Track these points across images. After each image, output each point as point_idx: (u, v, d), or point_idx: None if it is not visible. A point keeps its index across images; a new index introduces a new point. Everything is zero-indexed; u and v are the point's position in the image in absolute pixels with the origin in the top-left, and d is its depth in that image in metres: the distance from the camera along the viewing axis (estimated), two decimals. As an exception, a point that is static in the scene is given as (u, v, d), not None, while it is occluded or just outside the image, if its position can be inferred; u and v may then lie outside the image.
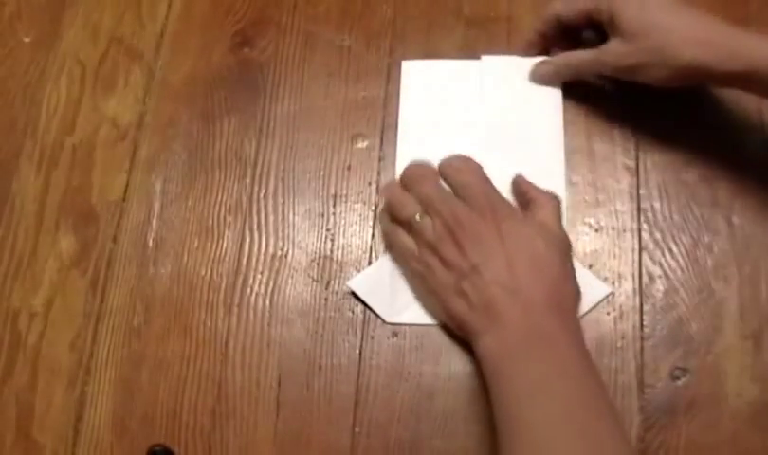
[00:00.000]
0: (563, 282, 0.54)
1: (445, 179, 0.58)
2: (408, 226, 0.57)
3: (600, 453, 0.46)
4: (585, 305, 0.56)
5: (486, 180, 0.57)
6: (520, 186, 0.59)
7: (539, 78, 0.64)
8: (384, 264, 0.60)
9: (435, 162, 0.60)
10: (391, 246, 0.59)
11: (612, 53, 0.59)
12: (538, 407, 0.48)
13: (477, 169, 0.58)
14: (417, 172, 0.58)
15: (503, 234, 0.54)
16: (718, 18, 0.56)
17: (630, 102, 0.62)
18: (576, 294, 0.55)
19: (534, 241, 0.54)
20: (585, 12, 0.60)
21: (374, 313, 0.58)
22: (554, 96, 0.63)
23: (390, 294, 0.59)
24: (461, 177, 0.57)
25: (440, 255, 0.55)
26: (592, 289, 0.57)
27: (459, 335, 0.56)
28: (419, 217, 0.56)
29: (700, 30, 0.55)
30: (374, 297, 0.59)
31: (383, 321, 0.58)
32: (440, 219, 0.55)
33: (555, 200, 0.58)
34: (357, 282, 0.59)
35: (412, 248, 0.56)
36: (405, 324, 0.58)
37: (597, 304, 0.57)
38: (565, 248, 0.55)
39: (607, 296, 0.57)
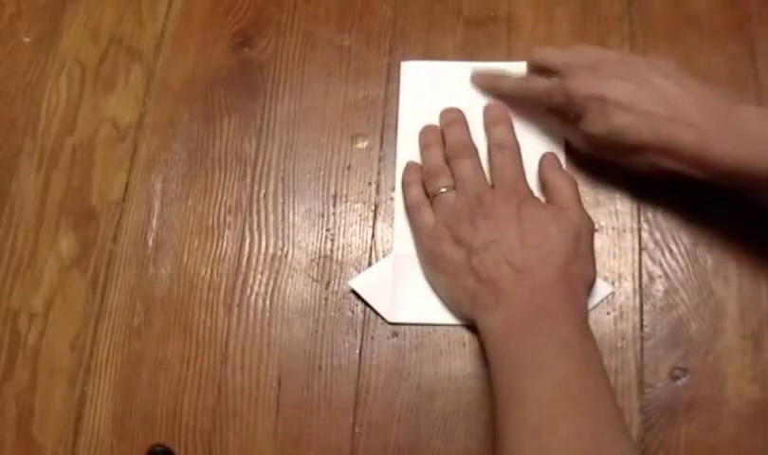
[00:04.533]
0: (574, 264, 0.54)
1: (487, 136, 0.61)
2: (433, 195, 0.59)
3: (592, 418, 0.47)
4: (589, 303, 0.56)
5: (519, 161, 0.59)
6: (540, 172, 0.60)
7: (476, 83, 0.65)
8: (386, 264, 0.60)
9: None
10: (411, 219, 0.60)
11: (582, 147, 0.59)
12: (535, 377, 0.49)
13: (515, 146, 0.60)
14: (460, 144, 0.60)
15: (521, 217, 0.55)
16: (687, 104, 0.53)
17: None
18: (588, 278, 0.55)
19: (549, 224, 0.55)
20: (551, 110, 0.60)
21: (376, 312, 0.58)
22: None
23: (391, 293, 0.59)
24: (498, 130, 0.61)
25: (453, 232, 0.56)
26: (595, 289, 0.57)
27: (461, 316, 0.56)
28: (445, 190, 0.58)
29: (665, 141, 0.53)
30: (375, 296, 0.59)
31: (384, 321, 0.58)
32: (464, 197, 0.57)
33: (572, 183, 0.58)
34: (359, 282, 0.59)
35: (430, 223, 0.58)
36: (406, 324, 0.58)
37: (599, 304, 0.57)
38: (584, 231, 0.56)
39: (608, 295, 0.57)
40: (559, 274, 0.52)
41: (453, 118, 0.62)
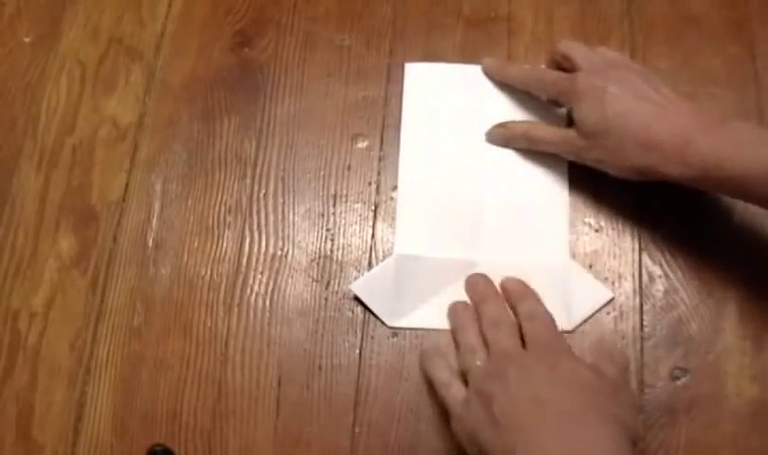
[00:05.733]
0: (612, 403, 0.48)
1: (509, 302, 0.57)
2: (467, 370, 0.53)
3: None
4: (586, 310, 0.57)
5: (554, 326, 0.54)
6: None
7: (492, 139, 0.63)
8: (387, 268, 0.60)
9: (437, 164, 0.61)
10: (442, 398, 0.54)
11: (573, 144, 0.58)
12: None
13: (546, 314, 0.55)
14: (498, 317, 0.55)
15: (554, 365, 0.49)
16: (683, 109, 0.54)
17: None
18: (631, 430, 0.47)
19: (585, 371, 0.49)
20: (551, 97, 0.61)
21: (376, 316, 0.58)
22: None
23: (392, 298, 0.58)
24: (526, 305, 0.55)
25: (480, 390, 0.49)
26: (594, 293, 0.57)
27: None
28: (480, 363, 0.52)
29: (652, 134, 0.53)
30: (376, 300, 0.59)
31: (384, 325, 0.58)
32: (493, 358, 0.52)
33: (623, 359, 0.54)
34: (360, 286, 0.59)
35: (460, 396, 0.52)
36: (407, 328, 0.58)
37: (600, 309, 0.57)
38: (619, 393, 0.50)
39: (609, 301, 0.57)
40: (590, 405, 0.46)
41: (486, 292, 0.57)
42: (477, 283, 0.58)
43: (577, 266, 0.58)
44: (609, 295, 0.57)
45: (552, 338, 0.53)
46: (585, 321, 0.56)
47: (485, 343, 0.54)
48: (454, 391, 0.52)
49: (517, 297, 0.57)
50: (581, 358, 0.51)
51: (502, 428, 0.46)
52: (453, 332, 0.57)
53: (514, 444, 0.45)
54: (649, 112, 0.54)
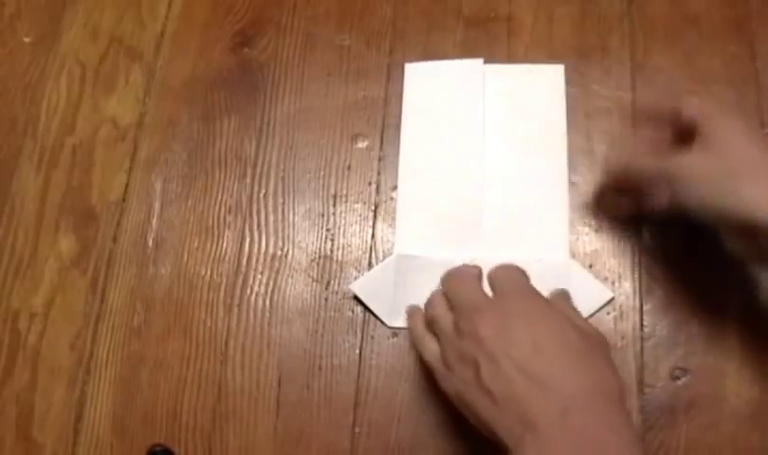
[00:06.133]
0: (605, 371, 0.45)
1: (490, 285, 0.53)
2: (432, 321, 0.51)
3: None
4: (586, 310, 0.57)
5: (523, 272, 0.51)
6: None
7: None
8: (387, 268, 0.60)
9: (437, 164, 0.61)
10: (420, 353, 0.53)
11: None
12: None
13: (517, 266, 0.52)
14: (458, 274, 0.53)
15: (531, 317, 0.46)
16: None
17: (630, 102, 0.62)
18: (622, 385, 0.45)
19: (564, 327, 0.46)
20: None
21: (376, 316, 0.58)
22: (557, 97, 0.63)
23: (392, 298, 0.59)
24: (500, 269, 0.52)
25: (457, 349, 0.47)
26: (594, 293, 0.57)
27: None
28: (440, 311, 0.50)
29: None
30: (376, 300, 0.59)
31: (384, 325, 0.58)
32: (459, 309, 0.49)
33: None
34: (360, 286, 0.59)
35: (435, 350, 0.50)
36: (406, 328, 0.58)
37: (599, 309, 0.57)
38: (604, 344, 0.48)
39: (609, 301, 0.57)
40: (591, 384, 0.43)
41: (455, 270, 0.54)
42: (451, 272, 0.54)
43: (578, 266, 0.58)
44: (609, 295, 0.57)
45: (518, 279, 0.50)
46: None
47: (448, 294, 0.51)
48: (428, 345, 0.51)
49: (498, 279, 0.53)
50: (548, 302, 0.49)
51: (501, 405, 0.44)
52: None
53: (520, 435, 0.43)
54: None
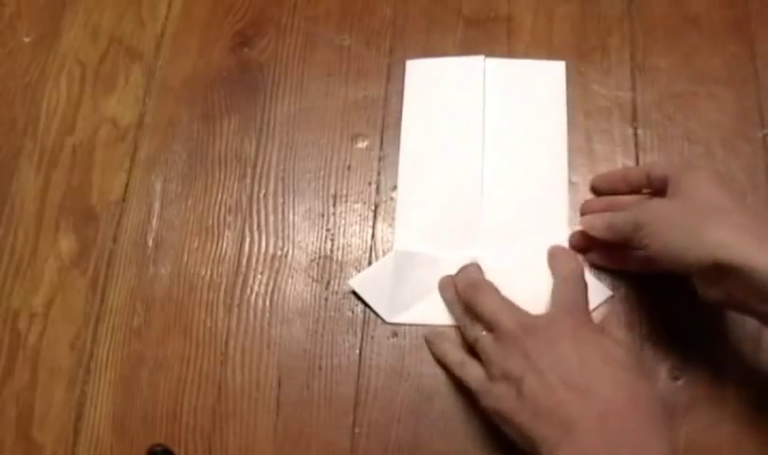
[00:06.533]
0: (646, 385, 0.47)
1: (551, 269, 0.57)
2: (474, 343, 0.52)
3: None
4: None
5: (584, 288, 0.54)
6: None
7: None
8: (385, 264, 0.60)
9: (437, 160, 0.61)
10: (461, 379, 0.53)
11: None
12: None
13: (580, 275, 0.54)
14: (471, 281, 0.54)
15: (578, 338, 0.48)
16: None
17: (630, 102, 0.62)
18: (660, 399, 0.47)
19: (612, 348, 0.48)
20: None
21: (375, 312, 0.58)
22: (558, 93, 0.63)
23: (390, 294, 0.59)
24: (564, 282, 0.54)
25: (502, 369, 0.48)
26: (593, 292, 0.56)
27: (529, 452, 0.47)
28: (485, 333, 0.51)
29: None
30: (374, 296, 0.59)
31: (383, 321, 0.58)
32: (504, 331, 0.49)
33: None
34: (358, 282, 0.59)
35: (480, 375, 0.51)
36: (405, 324, 0.58)
37: (597, 307, 0.57)
38: (638, 362, 0.50)
39: (608, 299, 0.57)
40: (631, 394, 0.45)
41: (472, 279, 0.56)
42: (467, 272, 0.57)
43: None
44: (607, 293, 0.57)
45: (574, 300, 0.52)
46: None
47: (476, 309, 0.53)
48: (469, 369, 0.52)
49: (552, 253, 0.57)
50: (591, 321, 0.51)
51: (541, 418, 0.45)
52: (448, 306, 0.57)
53: (558, 439, 0.44)
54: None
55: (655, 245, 0.49)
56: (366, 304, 0.59)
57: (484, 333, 0.52)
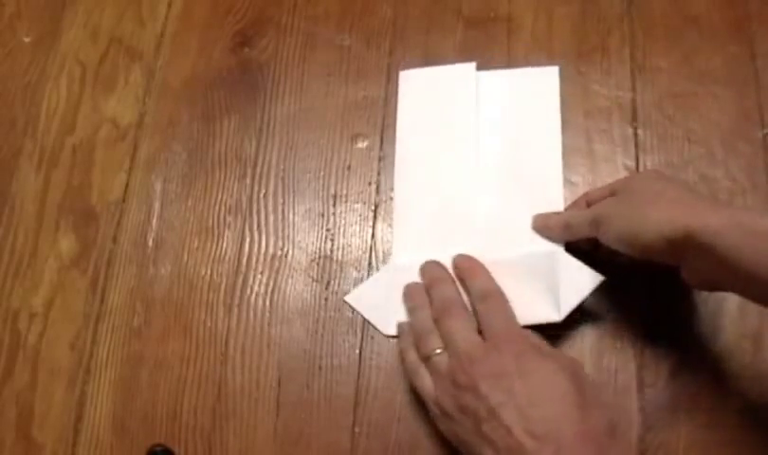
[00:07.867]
0: (591, 412, 0.48)
1: (461, 281, 0.57)
2: (425, 358, 0.53)
3: None
4: (576, 298, 0.55)
5: (507, 306, 0.54)
6: None
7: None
8: (380, 278, 0.60)
9: (431, 172, 0.61)
10: (412, 384, 0.55)
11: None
12: None
13: (498, 292, 0.55)
14: (446, 302, 0.55)
15: (523, 370, 0.49)
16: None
17: (630, 102, 0.62)
18: (610, 421, 0.49)
19: (556, 375, 0.49)
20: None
21: (373, 326, 0.58)
22: (552, 100, 0.63)
23: (387, 307, 0.58)
24: (477, 282, 0.56)
25: (456, 400, 0.51)
26: (585, 277, 0.55)
27: None
28: (439, 352, 0.53)
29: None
30: (371, 310, 0.59)
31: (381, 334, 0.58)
32: (457, 360, 0.51)
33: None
34: (355, 297, 0.59)
35: (431, 390, 0.53)
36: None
37: (590, 293, 0.56)
38: (578, 369, 0.51)
39: (600, 283, 0.56)
40: (584, 429, 0.47)
41: (437, 276, 0.57)
42: (429, 268, 0.58)
43: (564, 253, 0.57)
44: (599, 278, 0.55)
45: (507, 326, 0.53)
46: (579, 306, 0.55)
47: (440, 330, 0.54)
48: (422, 381, 0.53)
49: (467, 273, 0.57)
50: (539, 345, 0.52)
51: (501, 452, 0.47)
52: (408, 313, 0.57)
53: None
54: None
55: (611, 238, 0.52)
56: (364, 317, 0.59)
57: (438, 351, 0.53)
